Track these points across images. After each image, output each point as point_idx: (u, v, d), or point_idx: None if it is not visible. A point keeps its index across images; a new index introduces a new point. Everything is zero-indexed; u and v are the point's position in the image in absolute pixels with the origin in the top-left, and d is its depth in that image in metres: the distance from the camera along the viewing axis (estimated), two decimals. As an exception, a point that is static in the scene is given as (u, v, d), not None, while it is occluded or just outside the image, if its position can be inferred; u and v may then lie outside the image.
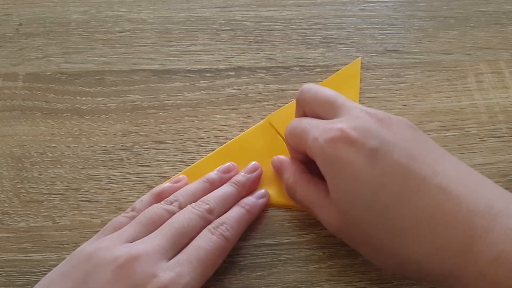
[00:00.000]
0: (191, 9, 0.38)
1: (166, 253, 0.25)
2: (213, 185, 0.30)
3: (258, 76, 0.35)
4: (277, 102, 0.34)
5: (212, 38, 0.37)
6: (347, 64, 0.36)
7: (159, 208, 0.27)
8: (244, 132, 0.33)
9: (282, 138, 0.32)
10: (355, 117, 0.25)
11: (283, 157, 0.30)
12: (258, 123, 0.33)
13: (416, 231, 0.22)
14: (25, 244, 0.29)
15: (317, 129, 0.26)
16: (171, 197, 0.28)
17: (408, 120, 0.26)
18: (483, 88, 0.35)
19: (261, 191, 0.30)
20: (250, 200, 0.29)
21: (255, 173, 0.31)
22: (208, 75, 0.35)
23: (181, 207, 0.28)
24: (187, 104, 0.34)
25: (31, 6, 0.38)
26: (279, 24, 0.38)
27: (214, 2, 0.39)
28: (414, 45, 0.37)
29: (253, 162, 0.31)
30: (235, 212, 0.28)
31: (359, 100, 0.34)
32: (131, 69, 0.35)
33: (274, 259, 0.29)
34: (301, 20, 0.38)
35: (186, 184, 0.30)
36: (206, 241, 0.26)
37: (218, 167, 0.31)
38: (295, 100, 0.34)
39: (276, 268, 0.29)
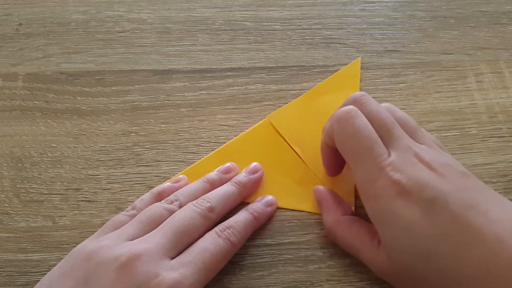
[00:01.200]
0: (191, 9, 0.38)
1: (168, 252, 0.24)
2: (214, 185, 0.30)
3: (258, 76, 0.35)
4: (277, 102, 0.34)
5: (212, 38, 0.37)
6: (347, 64, 0.36)
7: (159, 207, 0.27)
8: (244, 132, 0.33)
9: (283, 137, 0.32)
10: (408, 162, 0.24)
11: (325, 191, 0.30)
12: (258, 123, 0.33)
13: (472, 283, 0.21)
14: (25, 244, 0.29)
15: (369, 166, 0.25)
16: (171, 196, 0.28)
17: (459, 164, 0.25)
18: (483, 88, 0.35)
19: (270, 198, 0.30)
20: (259, 207, 0.29)
21: (256, 174, 0.31)
22: (208, 75, 0.35)
23: (181, 206, 0.27)
24: (187, 104, 0.34)
25: (31, 6, 0.38)
26: (279, 24, 0.38)
27: (214, 2, 0.39)
28: (414, 45, 0.37)
29: (255, 163, 0.31)
30: (243, 217, 0.28)
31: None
32: (131, 69, 0.35)
33: (274, 259, 0.29)
34: (301, 20, 0.38)
35: (186, 184, 0.30)
36: (212, 243, 0.26)
37: (218, 168, 0.31)
38: (296, 99, 0.34)
39: (276, 268, 0.29)
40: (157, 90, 0.35)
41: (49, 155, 0.32)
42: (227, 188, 0.29)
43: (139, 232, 0.26)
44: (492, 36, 0.37)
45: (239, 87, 0.35)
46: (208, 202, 0.27)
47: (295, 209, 0.30)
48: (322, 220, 0.29)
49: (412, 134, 0.26)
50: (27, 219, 0.30)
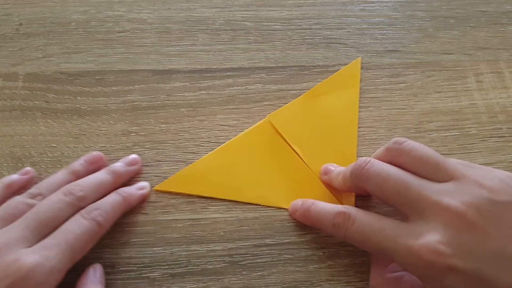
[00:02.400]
0: (191, 9, 0.38)
1: (29, 241, 0.24)
2: (78, 177, 0.29)
3: (258, 76, 0.35)
4: (277, 102, 0.34)
5: (212, 38, 0.37)
6: (347, 64, 0.36)
7: (21, 202, 0.26)
8: (244, 132, 0.33)
9: (283, 138, 0.32)
10: (445, 223, 0.22)
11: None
12: (258, 123, 0.33)
13: None
14: (25, 244, 0.29)
15: (399, 245, 0.23)
16: (33, 189, 0.28)
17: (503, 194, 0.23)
18: (483, 88, 0.35)
19: (141, 183, 0.30)
20: (128, 188, 0.29)
21: (134, 167, 0.30)
22: (208, 75, 0.35)
23: None
24: (187, 104, 0.34)
25: (31, 6, 0.38)
26: (279, 24, 0.38)
27: (214, 2, 0.39)
28: (414, 45, 0.37)
29: (134, 156, 0.31)
30: (111, 198, 0.28)
31: (359, 100, 0.34)
32: (131, 69, 0.35)
33: (274, 259, 0.29)
34: (301, 20, 0.38)
35: (33, 176, 0.30)
36: (77, 225, 0.25)
37: (83, 157, 0.30)
38: (296, 99, 0.34)
39: (276, 268, 0.29)
40: (157, 90, 0.35)
41: (49, 155, 0.32)
42: (100, 176, 0.29)
43: None
44: (492, 36, 0.37)
45: (239, 87, 0.35)
46: (80, 190, 0.27)
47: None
48: (369, 279, 0.27)
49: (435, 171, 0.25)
50: (27, 219, 0.30)
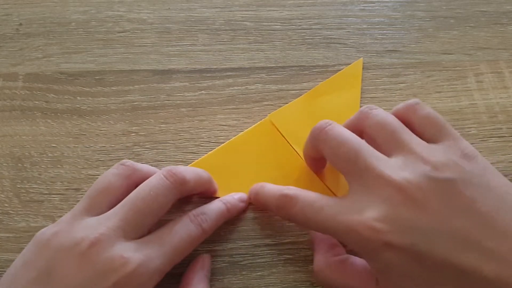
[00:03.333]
0: (191, 9, 0.38)
1: (129, 234, 0.24)
2: None
3: (258, 76, 0.35)
4: (277, 102, 0.34)
5: (212, 38, 0.37)
6: (347, 64, 0.36)
7: (109, 178, 0.26)
8: (244, 131, 0.33)
9: (284, 137, 0.32)
10: (384, 198, 0.22)
11: (316, 234, 0.28)
12: (259, 122, 0.33)
13: None
14: (25, 244, 0.29)
15: (337, 221, 0.23)
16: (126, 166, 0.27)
17: (456, 172, 0.23)
18: (483, 88, 0.35)
19: (243, 195, 0.30)
20: (232, 199, 0.29)
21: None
22: (208, 75, 0.35)
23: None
24: (187, 104, 0.34)
25: (31, 6, 0.38)
26: (279, 24, 0.38)
27: (214, 2, 0.39)
28: (414, 45, 0.37)
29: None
30: (217, 206, 0.28)
31: (360, 100, 0.34)
32: (131, 69, 0.35)
33: (274, 259, 0.29)
34: (301, 20, 0.38)
35: None
36: (183, 227, 0.25)
37: None
38: (297, 99, 0.34)
39: (276, 268, 0.29)
40: (157, 90, 0.35)
41: (49, 155, 0.32)
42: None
43: (92, 209, 0.25)
44: (492, 36, 0.37)
45: (239, 87, 0.35)
46: (181, 172, 0.26)
47: None
48: (313, 264, 0.27)
49: (434, 135, 0.25)
50: (27, 219, 0.30)
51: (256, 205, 0.30)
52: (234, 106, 0.34)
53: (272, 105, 0.34)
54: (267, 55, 0.36)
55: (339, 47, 0.37)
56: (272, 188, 0.27)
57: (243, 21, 0.38)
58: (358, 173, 0.24)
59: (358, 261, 0.25)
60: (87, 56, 0.36)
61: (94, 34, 0.37)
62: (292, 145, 0.32)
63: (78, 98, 0.34)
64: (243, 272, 0.28)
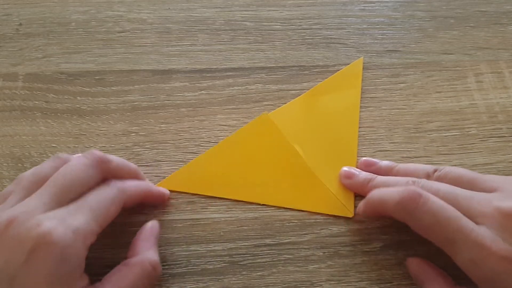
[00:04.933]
0: (191, 9, 0.38)
1: (49, 207, 0.23)
2: None
3: (258, 76, 0.35)
4: (277, 102, 0.34)
5: (212, 38, 0.37)
6: (347, 64, 0.36)
7: (43, 168, 0.26)
8: (241, 128, 0.33)
9: (283, 135, 0.32)
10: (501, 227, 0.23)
11: (422, 262, 0.27)
12: (254, 119, 0.33)
13: None
14: (25, 244, 0.29)
15: (470, 240, 0.23)
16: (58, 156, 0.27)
17: None
18: (483, 88, 0.35)
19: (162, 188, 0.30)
20: (151, 184, 0.30)
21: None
22: (208, 75, 0.35)
23: None
24: (187, 104, 0.34)
25: (31, 6, 0.38)
26: (279, 24, 0.38)
27: (214, 2, 0.39)
28: (414, 45, 0.37)
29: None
30: (135, 181, 0.28)
31: (360, 100, 0.34)
32: (131, 69, 0.35)
33: (274, 259, 0.29)
34: (301, 20, 0.38)
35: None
36: (98, 191, 0.25)
37: None
38: (297, 98, 0.34)
39: (276, 268, 0.29)
40: (157, 90, 0.35)
41: (49, 155, 0.32)
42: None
43: (23, 198, 0.24)
44: (492, 36, 0.37)
45: (239, 87, 0.35)
46: (100, 153, 0.26)
47: (294, 208, 0.30)
48: None
49: (473, 186, 0.25)
50: (27, 219, 0.30)
51: (367, 212, 0.28)
52: (234, 106, 0.34)
53: (272, 105, 0.34)
54: (267, 55, 0.36)
55: (339, 47, 0.37)
56: (390, 188, 0.27)
57: (243, 21, 0.38)
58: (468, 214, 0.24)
59: None
60: (87, 56, 0.36)
61: (94, 34, 0.37)
62: (291, 143, 0.32)
63: (78, 98, 0.34)
64: (243, 272, 0.28)
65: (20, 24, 0.37)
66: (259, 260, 0.29)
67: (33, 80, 0.35)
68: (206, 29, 0.37)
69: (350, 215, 0.30)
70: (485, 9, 0.39)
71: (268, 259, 0.29)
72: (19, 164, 0.32)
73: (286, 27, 0.38)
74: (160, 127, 0.33)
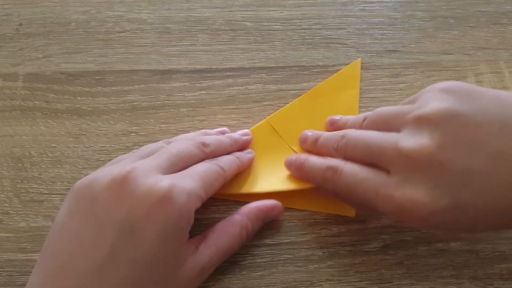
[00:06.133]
0: (191, 9, 0.38)
1: (162, 170, 0.25)
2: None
3: (258, 76, 0.35)
4: (277, 102, 0.34)
5: (212, 38, 0.37)
6: (347, 64, 0.36)
7: (158, 144, 0.29)
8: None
9: (283, 139, 0.32)
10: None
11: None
12: (257, 124, 0.33)
13: None
14: (25, 244, 0.29)
15: (380, 196, 0.25)
16: (167, 140, 0.30)
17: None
18: (483, 88, 0.35)
19: (248, 150, 0.32)
20: (239, 152, 0.31)
21: (247, 137, 0.32)
22: (208, 75, 0.35)
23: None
24: (187, 104, 0.34)
25: (31, 6, 0.38)
26: (279, 24, 0.38)
27: (214, 2, 0.39)
28: (414, 45, 0.37)
29: (246, 130, 0.32)
30: (227, 156, 0.30)
31: (359, 100, 0.34)
32: (131, 69, 0.35)
33: (274, 259, 0.29)
34: (301, 20, 0.38)
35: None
36: (205, 165, 0.27)
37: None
38: (295, 101, 0.34)
39: (276, 268, 0.29)
40: (157, 90, 0.35)
41: (49, 155, 0.32)
42: (221, 137, 0.31)
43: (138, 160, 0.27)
44: (492, 36, 0.37)
45: (239, 87, 0.35)
46: (202, 139, 0.29)
47: (296, 208, 0.30)
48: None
49: (396, 119, 0.26)
50: (27, 219, 0.30)
51: (297, 177, 0.30)
52: (234, 106, 0.34)
53: (272, 105, 0.34)
54: (267, 55, 0.36)
55: (339, 47, 0.37)
56: (317, 161, 0.29)
57: (243, 21, 0.38)
58: (378, 159, 0.26)
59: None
60: (87, 56, 0.36)
61: (94, 34, 0.37)
62: (292, 147, 0.32)
63: (78, 98, 0.34)
64: (243, 272, 0.28)
65: (20, 24, 0.37)
66: (259, 260, 0.29)
67: (33, 80, 0.35)
68: (206, 29, 0.37)
69: (352, 214, 0.30)
70: (485, 9, 0.39)
71: (268, 259, 0.29)
72: (19, 164, 0.32)
73: (286, 27, 0.38)
74: (160, 127, 0.33)
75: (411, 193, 0.23)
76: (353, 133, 0.28)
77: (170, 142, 0.29)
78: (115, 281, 0.23)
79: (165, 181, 0.24)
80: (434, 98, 0.25)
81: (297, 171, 0.30)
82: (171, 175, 0.25)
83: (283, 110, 0.34)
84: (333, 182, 0.27)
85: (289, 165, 0.30)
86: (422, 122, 0.24)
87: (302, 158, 0.29)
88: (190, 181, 0.25)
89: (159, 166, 0.25)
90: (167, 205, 0.23)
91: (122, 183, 0.24)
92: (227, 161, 0.29)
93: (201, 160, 0.28)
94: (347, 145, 0.28)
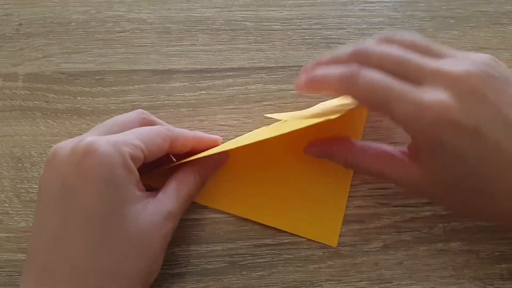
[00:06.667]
0: (191, 9, 0.38)
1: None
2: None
3: (258, 76, 0.35)
4: (277, 102, 0.34)
5: (212, 38, 0.37)
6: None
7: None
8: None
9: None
10: (451, 82, 0.24)
11: (320, 142, 0.30)
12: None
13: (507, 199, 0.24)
14: (25, 244, 0.29)
15: (407, 101, 0.24)
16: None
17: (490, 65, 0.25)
18: (483, 88, 0.35)
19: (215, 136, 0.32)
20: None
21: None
22: (208, 75, 0.35)
23: None
24: (187, 104, 0.34)
25: (31, 6, 0.38)
26: (279, 24, 0.38)
27: (214, 2, 0.39)
28: (414, 45, 0.37)
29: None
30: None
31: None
32: (131, 69, 0.35)
33: (274, 259, 0.29)
34: (301, 20, 0.38)
35: None
36: (144, 127, 0.28)
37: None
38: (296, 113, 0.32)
39: (276, 268, 0.29)
40: (157, 90, 0.35)
41: (49, 155, 0.32)
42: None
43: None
44: (492, 36, 0.37)
45: (239, 87, 0.35)
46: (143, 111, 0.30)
47: (278, 227, 0.30)
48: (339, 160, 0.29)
49: (428, 52, 0.26)
50: (27, 219, 0.30)
51: (308, 86, 0.28)
52: (234, 106, 0.34)
53: (272, 105, 0.34)
54: (267, 55, 0.36)
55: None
56: (332, 66, 0.27)
57: (243, 21, 0.38)
58: (413, 74, 0.25)
59: (380, 145, 0.28)
60: (87, 56, 0.36)
61: (94, 34, 0.37)
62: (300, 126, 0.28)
63: (78, 98, 0.34)
64: (243, 272, 0.28)
65: (20, 24, 0.37)
66: (259, 260, 0.29)
67: (33, 80, 0.35)
68: (206, 29, 0.37)
69: (334, 244, 0.29)
70: (485, 9, 0.39)
71: (268, 259, 0.29)
72: (19, 164, 0.32)
73: (286, 27, 0.38)
74: (160, 127, 0.33)
75: (442, 98, 0.23)
76: (379, 46, 0.26)
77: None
78: (79, 249, 0.23)
79: (88, 138, 0.25)
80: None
81: (309, 80, 0.28)
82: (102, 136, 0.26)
83: (281, 123, 0.31)
84: (352, 81, 0.25)
85: (298, 84, 0.29)
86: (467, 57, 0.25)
87: (311, 70, 0.28)
88: (119, 135, 0.26)
89: (93, 135, 0.26)
90: (92, 156, 0.24)
91: (53, 157, 0.25)
92: (181, 130, 0.29)
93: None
94: (371, 57, 0.26)
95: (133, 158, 0.25)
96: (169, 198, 0.26)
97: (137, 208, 0.24)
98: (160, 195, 0.26)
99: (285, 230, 0.30)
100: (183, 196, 0.27)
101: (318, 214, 0.30)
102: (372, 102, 0.25)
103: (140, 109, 0.30)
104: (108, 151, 0.24)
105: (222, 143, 0.31)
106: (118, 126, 0.27)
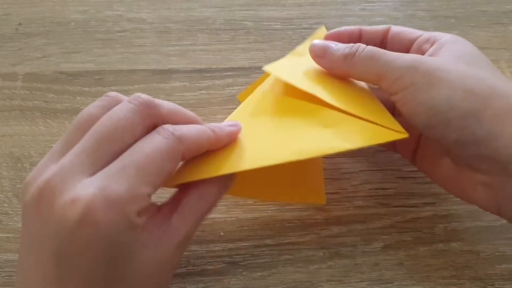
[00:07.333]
0: (191, 9, 0.38)
1: (87, 168, 0.20)
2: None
3: (258, 76, 0.35)
4: (277, 102, 0.34)
5: (212, 38, 0.37)
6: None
7: (90, 107, 0.23)
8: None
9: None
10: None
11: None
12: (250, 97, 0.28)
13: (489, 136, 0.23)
14: (24, 245, 0.29)
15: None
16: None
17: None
18: (484, 88, 0.35)
19: (231, 122, 0.25)
20: (217, 124, 0.24)
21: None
22: (208, 75, 0.35)
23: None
24: (187, 104, 0.34)
25: (31, 6, 0.38)
26: (279, 24, 0.38)
27: (214, 2, 0.39)
28: (414, 45, 0.37)
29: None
30: (194, 126, 0.23)
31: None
32: (130, 69, 0.35)
33: (274, 259, 0.29)
34: (301, 20, 0.38)
35: None
36: (147, 142, 0.20)
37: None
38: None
39: (276, 269, 0.28)
40: (157, 90, 0.35)
41: (49, 155, 0.32)
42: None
43: (64, 151, 0.21)
44: (492, 36, 0.37)
45: (239, 87, 0.35)
46: (147, 97, 0.22)
47: (264, 200, 0.30)
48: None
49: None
50: (26, 219, 0.30)
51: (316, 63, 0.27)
52: (234, 106, 0.34)
53: (272, 105, 0.34)
54: (267, 55, 0.36)
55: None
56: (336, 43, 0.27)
57: (243, 21, 0.38)
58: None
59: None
60: (87, 56, 0.36)
61: (94, 34, 0.37)
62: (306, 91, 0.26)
63: (78, 98, 0.34)
64: (243, 273, 0.28)
65: (20, 24, 0.37)
66: (259, 261, 0.29)
67: (33, 80, 0.35)
68: (206, 29, 0.37)
69: (323, 201, 0.29)
70: (486, 9, 0.39)
71: (268, 260, 0.29)
72: (19, 164, 0.32)
73: (286, 26, 0.38)
74: (160, 127, 0.33)
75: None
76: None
77: (112, 97, 0.23)
78: None
79: (83, 195, 0.18)
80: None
81: (316, 56, 0.27)
82: (96, 176, 0.19)
83: (252, 86, 0.30)
84: (354, 54, 0.25)
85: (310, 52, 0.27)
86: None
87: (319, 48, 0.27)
88: (120, 181, 0.19)
89: (81, 164, 0.20)
90: (91, 229, 0.18)
91: (39, 201, 0.19)
92: (191, 130, 0.22)
93: (145, 131, 0.21)
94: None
95: (142, 213, 0.20)
96: (184, 223, 0.21)
97: (146, 254, 0.20)
98: (174, 218, 0.21)
99: (273, 201, 0.30)
100: (201, 216, 0.22)
101: (299, 177, 0.30)
102: (373, 73, 0.26)
103: (138, 95, 0.22)
104: (109, 221, 0.19)
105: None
106: (120, 138, 0.21)
